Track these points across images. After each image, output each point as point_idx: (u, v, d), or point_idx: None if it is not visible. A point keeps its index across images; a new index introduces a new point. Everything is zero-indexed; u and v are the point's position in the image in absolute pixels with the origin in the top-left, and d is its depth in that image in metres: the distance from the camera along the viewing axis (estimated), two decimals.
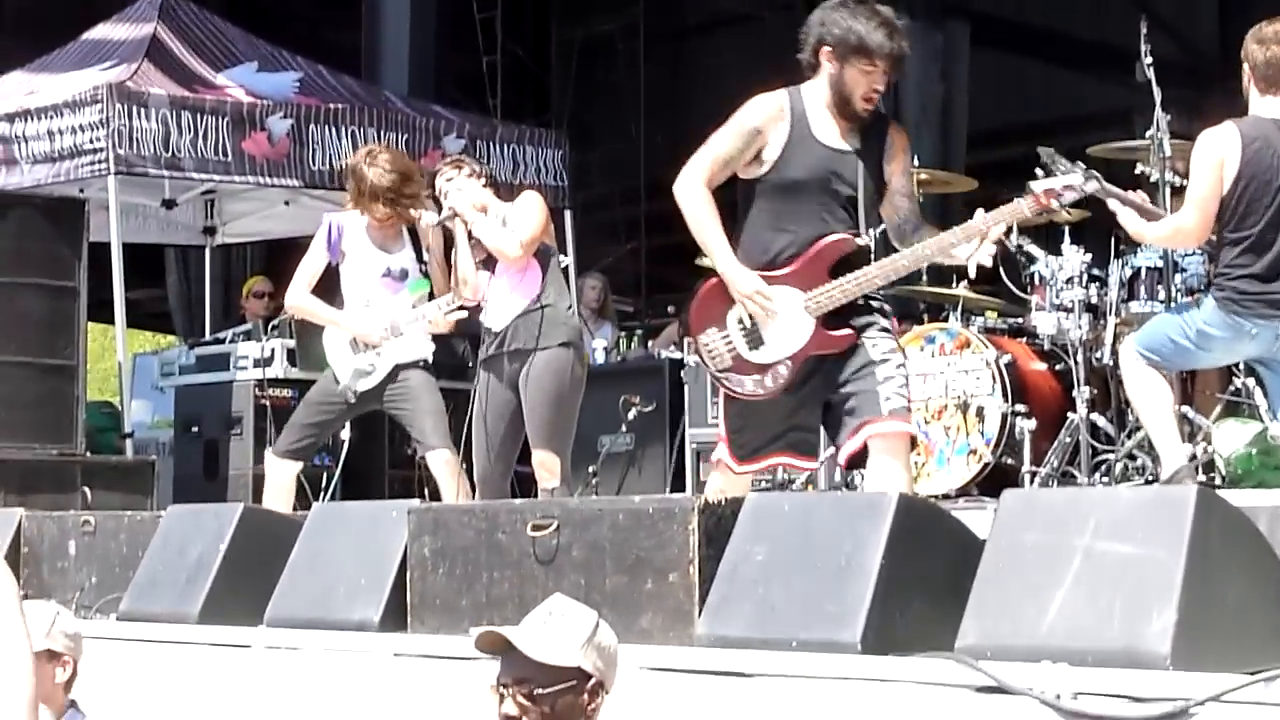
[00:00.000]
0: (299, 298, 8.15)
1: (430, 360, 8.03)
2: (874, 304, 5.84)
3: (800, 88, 5.86)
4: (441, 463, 7.80)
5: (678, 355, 10.43)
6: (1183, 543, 4.10)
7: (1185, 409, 7.11)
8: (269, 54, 11.67)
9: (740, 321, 5.78)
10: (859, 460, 5.68)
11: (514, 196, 11.73)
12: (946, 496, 7.86)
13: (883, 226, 6.09)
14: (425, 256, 8.04)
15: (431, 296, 8.00)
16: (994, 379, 8.03)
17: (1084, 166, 5.89)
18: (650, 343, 12.21)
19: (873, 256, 5.93)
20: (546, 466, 7.29)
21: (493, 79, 17.66)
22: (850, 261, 5.76)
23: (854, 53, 5.71)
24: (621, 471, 10.27)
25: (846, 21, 5.75)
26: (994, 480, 7.77)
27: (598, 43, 19.10)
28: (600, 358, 11.48)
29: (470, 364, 10.48)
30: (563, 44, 19.42)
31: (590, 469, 10.04)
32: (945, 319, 8.59)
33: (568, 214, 12.45)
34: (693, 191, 5.81)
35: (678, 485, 9.89)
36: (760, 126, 5.80)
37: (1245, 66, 6.57)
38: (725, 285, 5.78)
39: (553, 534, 5.29)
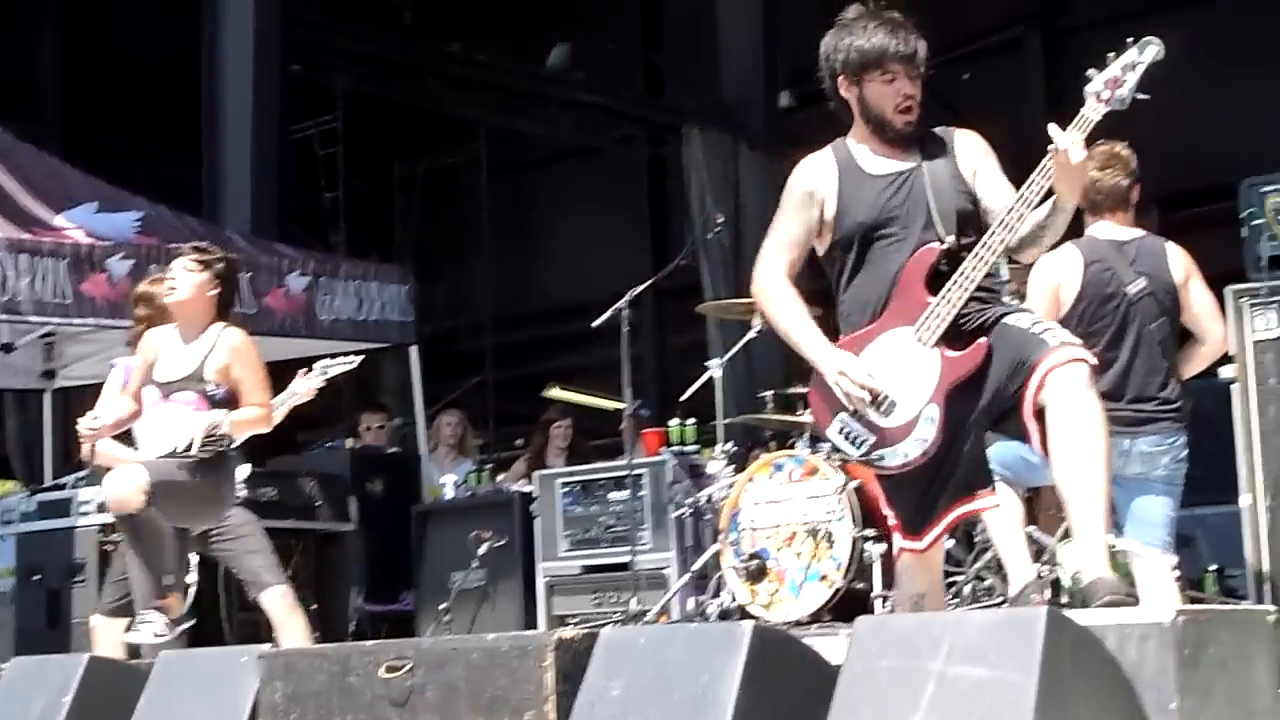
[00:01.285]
0: (106, 445, 7.97)
1: (247, 494, 7.98)
2: (990, 302, 5.31)
3: (844, 138, 5.46)
4: (278, 598, 7.75)
5: (527, 489, 10.41)
6: (1034, 664, 4.12)
7: (1030, 529, 7.19)
8: (109, 194, 11.57)
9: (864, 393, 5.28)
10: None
11: (363, 336, 11.92)
12: (800, 623, 7.88)
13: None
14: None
15: None
16: (843, 504, 8.09)
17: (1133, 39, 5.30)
18: (500, 477, 12.18)
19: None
20: None
21: (335, 215, 17.68)
22: (945, 274, 5.23)
23: (864, 68, 5.32)
24: (474, 607, 10.20)
25: (845, 39, 5.38)
26: (846, 605, 7.81)
27: (441, 176, 19.21)
28: (450, 493, 11.44)
29: (318, 503, 10.41)
30: (405, 178, 19.52)
31: (442, 606, 9.98)
32: (793, 446, 8.65)
33: (413, 350, 12.42)
34: (769, 287, 5.41)
35: (530, 620, 9.84)
36: (811, 188, 5.40)
37: None
38: None
39: (406, 675, 5.22)
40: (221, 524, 7.76)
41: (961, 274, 5.16)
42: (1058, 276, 6.56)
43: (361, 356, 9.11)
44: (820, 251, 5.44)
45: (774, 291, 5.43)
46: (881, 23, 5.35)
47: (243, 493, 7.90)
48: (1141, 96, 5.14)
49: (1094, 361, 5.11)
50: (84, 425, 7.45)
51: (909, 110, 5.33)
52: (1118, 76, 5.13)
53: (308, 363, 8.39)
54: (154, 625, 6.96)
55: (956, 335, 5.20)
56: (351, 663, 5.41)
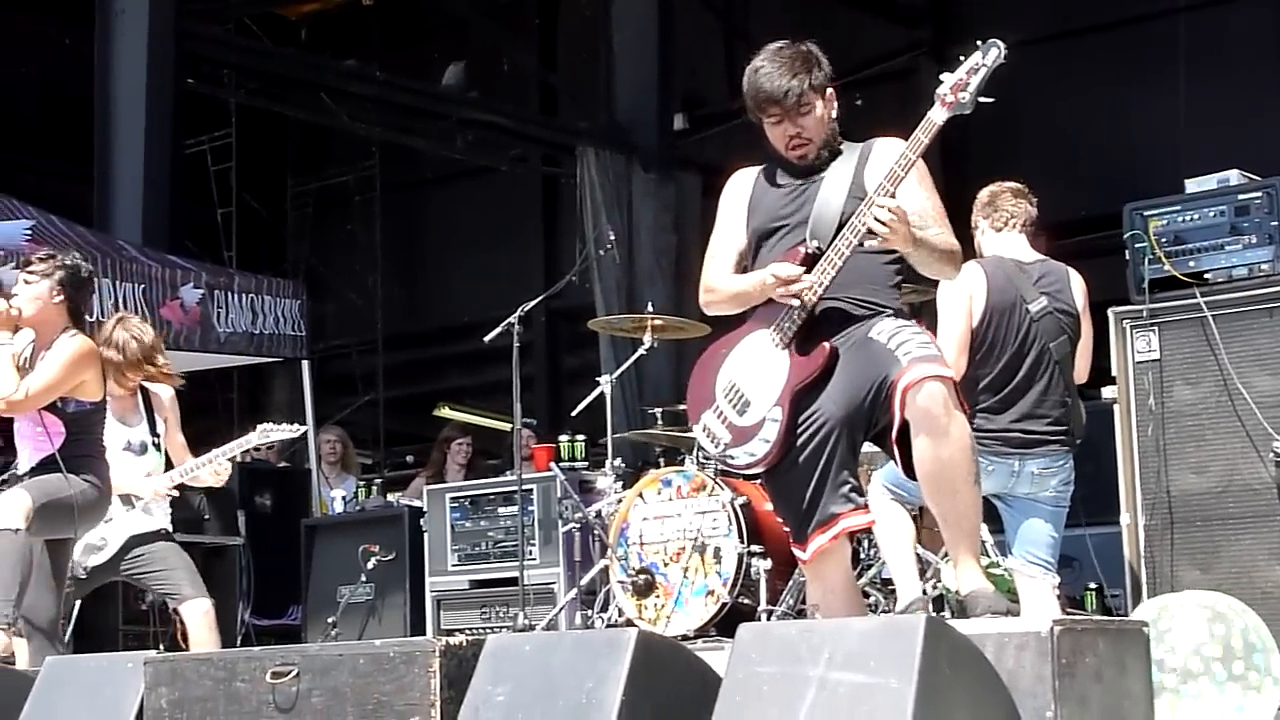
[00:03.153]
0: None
1: (170, 529, 7.97)
2: (865, 312, 5.29)
3: None
4: (200, 613, 7.74)
5: (417, 503, 10.42)
6: (913, 670, 4.19)
7: (916, 547, 7.28)
8: None
9: (726, 391, 5.34)
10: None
11: (257, 349, 11.88)
12: (686, 638, 7.91)
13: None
14: (160, 429, 7.99)
15: (168, 468, 7.97)
16: (730, 520, 8.14)
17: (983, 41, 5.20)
18: (395, 495, 12.15)
19: None
20: None
21: (228, 231, 17.60)
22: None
23: (754, 112, 5.40)
24: (362, 621, 10.20)
25: (744, 80, 5.39)
26: (732, 620, 7.83)
27: (333, 194, 19.15)
28: (339, 507, 11.42)
29: (206, 516, 10.38)
30: (298, 196, 19.43)
31: (330, 619, 9.96)
32: (681, 462, 8.70)
33: (305, 365, 12.40)
34: (708, 284, 5.48)
35: (418, 634, 9.84)
36: (729, 198, 5.54)
37: (979, 218, 6.88)
38: (706, 364, 5.42)
39: (292, 681, 5.23)
40: (140, 553, 7.77)
41: (813, 276, 5.20)
42: (968, 290, 6.66)
43: (305, 429, 9.11)
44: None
45: (708, 283, 5.50)
46: (761, 67, 5.36)
47: (164, 527, 7.94)
48: (985, 100, 5.13)
49: (948, 373, 5.11)
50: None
51: (798, 147, 5.39)
52: (963, 80, 5.14)
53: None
54: None
55: (813, 339, 5.23)
56: (238, 669, 5.41)
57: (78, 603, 8.45)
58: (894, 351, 5.12)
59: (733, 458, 5.38)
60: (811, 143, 5.39)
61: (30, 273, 7.13)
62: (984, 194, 6.96)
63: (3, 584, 6.83)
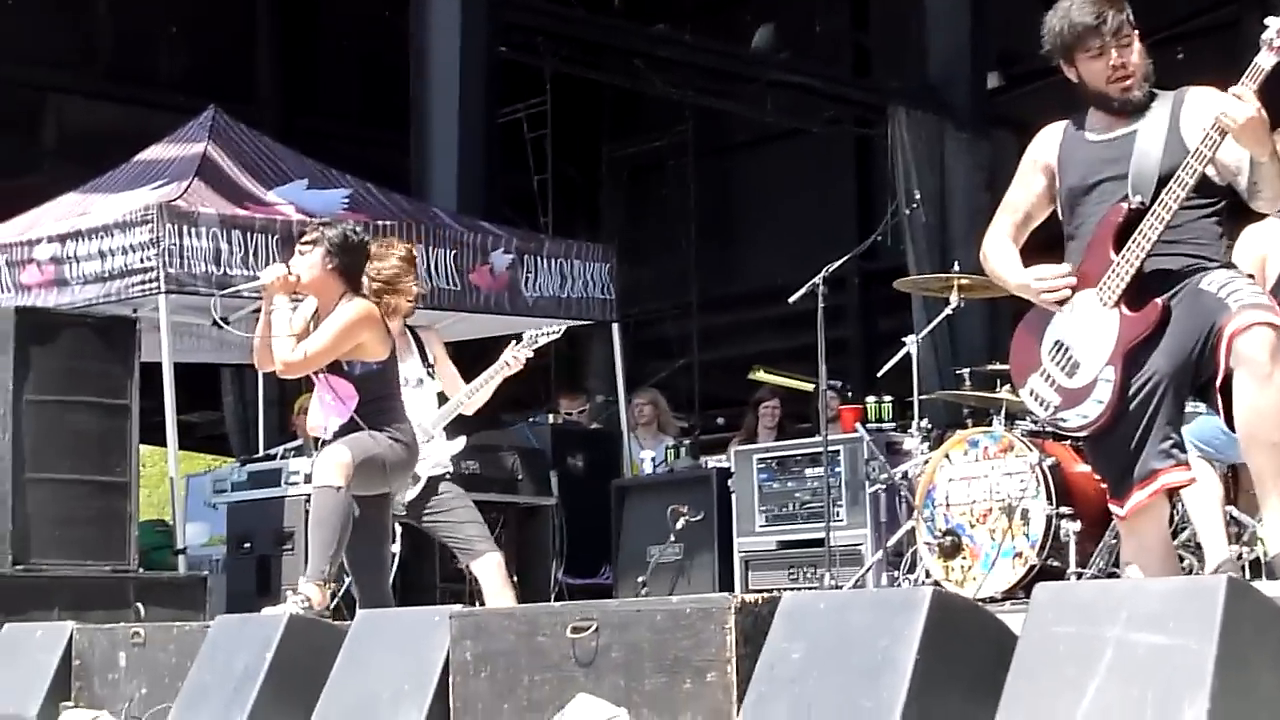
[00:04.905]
0: None
1: (452, 470, 8.11)
2: (1194, 266, 5.18)
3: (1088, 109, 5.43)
4: (493, 566, 7.86)
5: (725, 464, 10.46)
6: (1213, 632, 4.09)
7: (1230, 509, 7.09)
8: (318, 171, 11.81)
9: (1052, 353, 5.30)
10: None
11: (566, 312, 12.04)
12: (993, 599, 7.85)
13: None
14: (431, 362, 8.13)
15: (442, 401, 8.12)
16: (1038, 482, 8.04)
17: None
18: (712, 457, 12.21)
19: None
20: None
21: (544, 197, 17.83)
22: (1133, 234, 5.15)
23: (1070, 49, 5.25)
24: (671, 581, 10.29)
25: (1051, 23, 5.29)
26: (1041, 582, 7.75)
27: (647, 160, 19.30)
28: (649, 469, 11.52)
29: (520, 477, 10.56)
30: (613, 161, 19.64)
31: (640, 579, 10.08)
32: (989, 423, 8.61)
33: (615, 327, 12.52)
34: (984, 245, 5.49)
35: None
36: (1035, 155, 5.47)
37: None
38: (1030, 326, 5.40)
39: (592, 635, 5.31)
40: (433, 498, 7.93)
41: (1140, 233, 5.12)
42: (1263, 249, 6.46)
43: (566, 324, 9.21)
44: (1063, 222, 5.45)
45: (986, 246, 5.48)
46: (1071, 4, 5.26)
47: (450, 467, 8.07)
48: None
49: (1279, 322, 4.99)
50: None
51: (1123, 79, 5.26)
52: None
53: (512, 339, 8.49)
54: (293, 607, 6.99)
55: (1143, 296, 5.15)
56: (539, 623, 5.51)
57: (396, 557, 8.66)
58: (1225, 300, 5.04)
59: (1064, 420, 5.32)
60: (1135, 76, 5.26)
61: (304, 243, 7.31)
62: None
63: (321, 542, 7.03)
